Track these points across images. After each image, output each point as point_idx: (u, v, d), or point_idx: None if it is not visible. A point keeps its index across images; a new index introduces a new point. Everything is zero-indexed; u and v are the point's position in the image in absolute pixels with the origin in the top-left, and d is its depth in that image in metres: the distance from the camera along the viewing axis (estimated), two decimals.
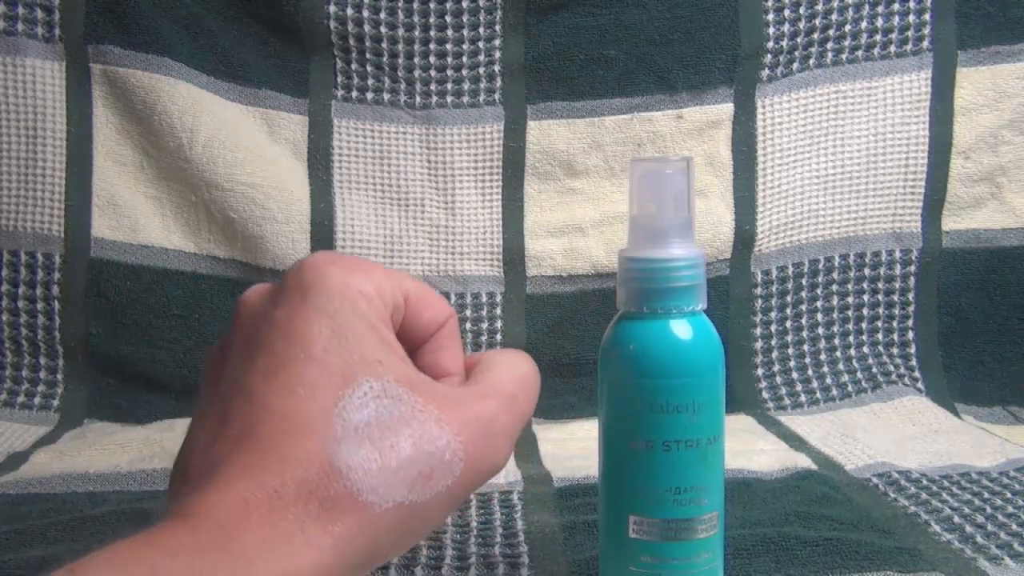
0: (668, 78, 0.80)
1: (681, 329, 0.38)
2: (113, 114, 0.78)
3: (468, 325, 0.79)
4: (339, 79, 0.81)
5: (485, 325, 0.79)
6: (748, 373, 0.79)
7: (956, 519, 0.51)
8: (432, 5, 0.80)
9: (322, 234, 0.78)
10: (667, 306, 0.38)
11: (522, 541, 0.49)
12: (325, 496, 0.28)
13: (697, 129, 0.80)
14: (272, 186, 0.78)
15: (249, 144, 0.78)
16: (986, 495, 0.55)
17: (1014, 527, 0.50)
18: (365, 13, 0.79)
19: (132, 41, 0.76)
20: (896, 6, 0.81)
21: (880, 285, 0.81)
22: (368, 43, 0.80)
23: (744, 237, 0.80)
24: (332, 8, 0.79)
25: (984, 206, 0.81)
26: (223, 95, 0.79)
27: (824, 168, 0.81)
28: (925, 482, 0.57)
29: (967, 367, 0.80)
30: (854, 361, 0.80)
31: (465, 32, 0.81)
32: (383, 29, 0.80)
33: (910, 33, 0.81)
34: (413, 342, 0.35)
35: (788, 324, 0.80)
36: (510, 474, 0.60)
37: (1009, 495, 0.55)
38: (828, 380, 0.79)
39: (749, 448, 0.65)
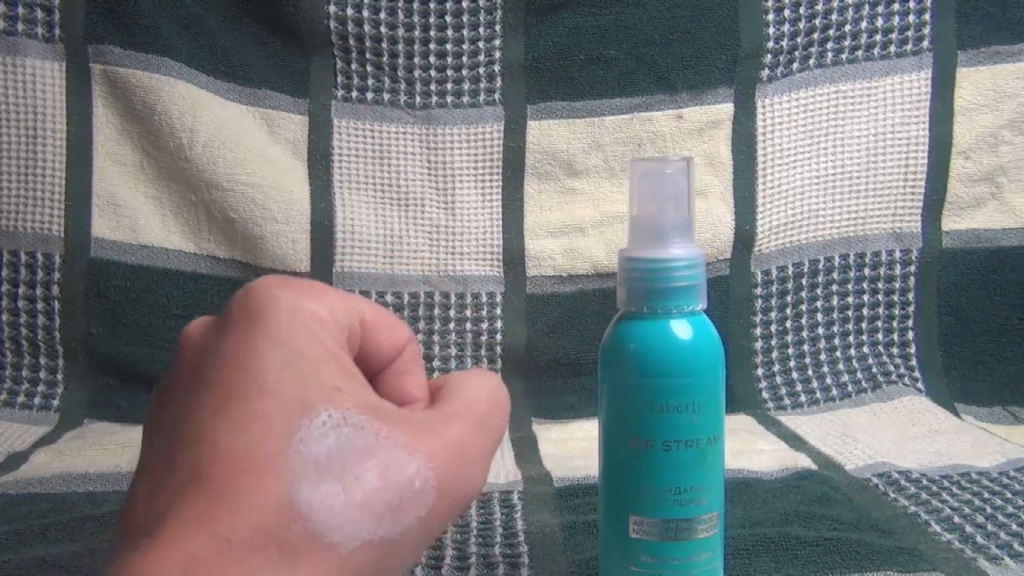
0: (668, 78, 0.80)
1: (681, 329, 0.38)
2: (113, 114, 0.78)
3: (468, 325, 0.79)
4: (339, 79, 0.81)
5: (485, 325, 0.79)
6: (748, 373, 0.79)
7: (956, 519, 0.51)
8: (432, 5, 0.80)
9: (322, 234, 0.78)
10: (667, 306, 0.38)
11: (522, 541, 0.49)
12: (285, 540, 0.25)
13: (697, 129, 0.80)
14: (272, 186, 0.78)
15: (249, 144, 0.78)
16: (986, 495, 0.55)
17: (1014, 527, 0.50)
18: (365, 13, 0.79)
19: (132, 41, 0.76)
20: (896, 6, 0.81)
21: (880, 285, 0.81)
22: (368, 43, 0.80)
23: (744, 237, 0.80)
24: (332, 8, 0.79)
25: (984, 206, 0.81)
26: (223, 95, 0.79)
27: (824, 168, 0.81)
28: (925, 482, 0.57)
29: (967, 367, 0.80)
30: (854, 361, 0.80)
31: (465, 32, 0.81)
32: (383, 29, 0.80)
33: (910, 33, 0.81)
34: (373, 368, 0.33)
35: (788, 324, 0.80)
36: (510, 474, 0.60)
37: (1009, 495, 0.55)
38: (828, 380, 0.79)
39: (749, 448, 0.65)
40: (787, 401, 0.78)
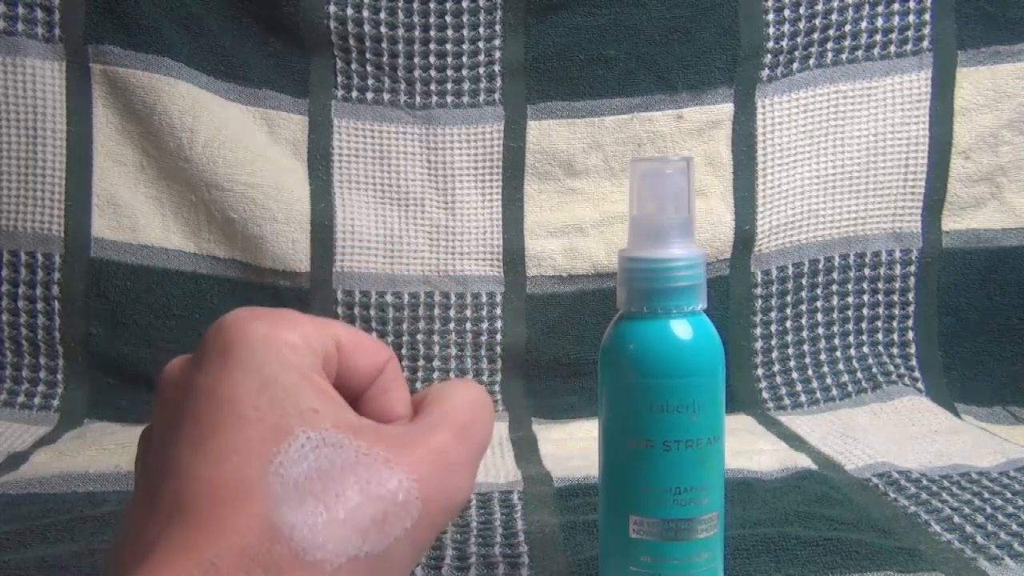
0: (668, 78, 0.80)
1: (681, 329, 0.38)
2: (113, 114, 0.78)
3: (468, 325, 0.79)
4: (339, 79, 0.81)
5: (485, 325, 0.79)
6: (748, 373, 0.79)
7: (956, 519, 0.51)
8: (432, 5, 0.80)
9: (322, 234, 0.78)
10: (667, 306, 0.38)
11: (522, 541, 0.49)
12: (270, 562, 0.25)
13: (697, 129, 0.80)
14: (272, 186, 0.78)
15: (249, 144, 0.78)
16: (986, 495, 0.55)
17: (1014, 527, 0.50)
18: (365, 13, 0.79)
19: (132, 41, 0.76)
20: (896, 6, 0.81)
21: (880, 285, 0.81)
22: (368, 43, 0.80)
23: (744, 237, 0.80)
24: (332, 8, 0.79)
25: (984, 206, 0.81)
26: (223, 95, 0.79)
27: (824, 168, 0.81)
28: (925, 482, 0.57)
29: (967, 367, 0.80)
30: (854, 361, 0.80)
31: (465, 32, 0.81)
32: (383, 29, 0.80)
33: (910, 33, 0.81)
34: (354, 390, 0.33)
35: (788, 324, 0.80)
36: (510, 474, 0.60)
37: (1009, 495, 0.55)
38: (828, 380, 0.79)
39: (749, 448, 0.65)
40: (787, 401, 0.78)
